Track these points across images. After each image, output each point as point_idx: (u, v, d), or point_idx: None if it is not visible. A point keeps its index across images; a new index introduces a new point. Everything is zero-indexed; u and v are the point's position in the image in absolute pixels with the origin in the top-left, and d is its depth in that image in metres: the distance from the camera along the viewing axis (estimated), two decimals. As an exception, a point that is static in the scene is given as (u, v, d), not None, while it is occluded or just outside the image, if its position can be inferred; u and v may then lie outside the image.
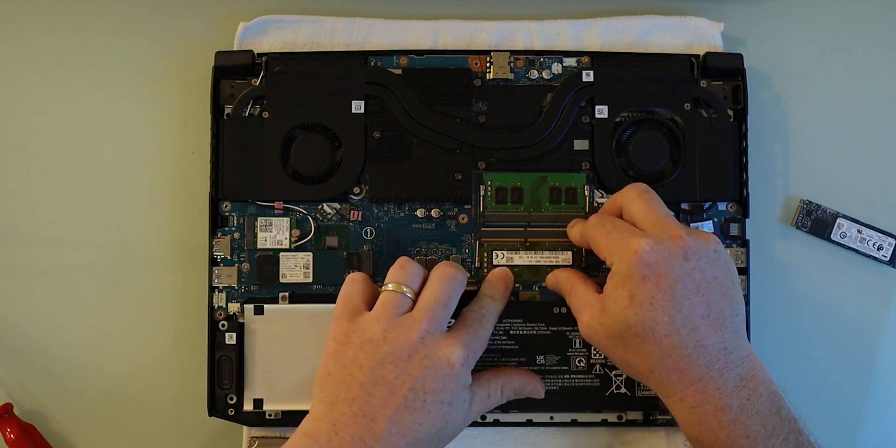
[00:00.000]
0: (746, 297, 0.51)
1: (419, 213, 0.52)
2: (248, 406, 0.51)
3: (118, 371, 0.53)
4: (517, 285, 0.51)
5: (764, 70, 0.55)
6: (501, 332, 0.51)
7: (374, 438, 0.43)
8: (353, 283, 0.47)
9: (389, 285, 0.46)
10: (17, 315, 0.54)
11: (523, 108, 0.52)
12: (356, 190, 0.52)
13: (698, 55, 0.53)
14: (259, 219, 0.52)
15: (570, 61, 0.53)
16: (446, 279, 0.46)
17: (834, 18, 0.55)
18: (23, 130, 0.54)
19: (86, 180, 0.54)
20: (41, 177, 0.54)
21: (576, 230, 0.50)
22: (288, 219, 0.52)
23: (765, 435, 0.43)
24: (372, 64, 0.52)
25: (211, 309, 0.51)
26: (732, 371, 0.44)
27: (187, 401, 0.53)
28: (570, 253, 0.52)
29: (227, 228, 0.52)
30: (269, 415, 0.51)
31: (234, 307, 0.51)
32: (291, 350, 0.51)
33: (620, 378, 0.51)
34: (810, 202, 0.54)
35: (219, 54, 0.52)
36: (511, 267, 0.51)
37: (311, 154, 0.52)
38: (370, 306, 0.46)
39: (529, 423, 0.51)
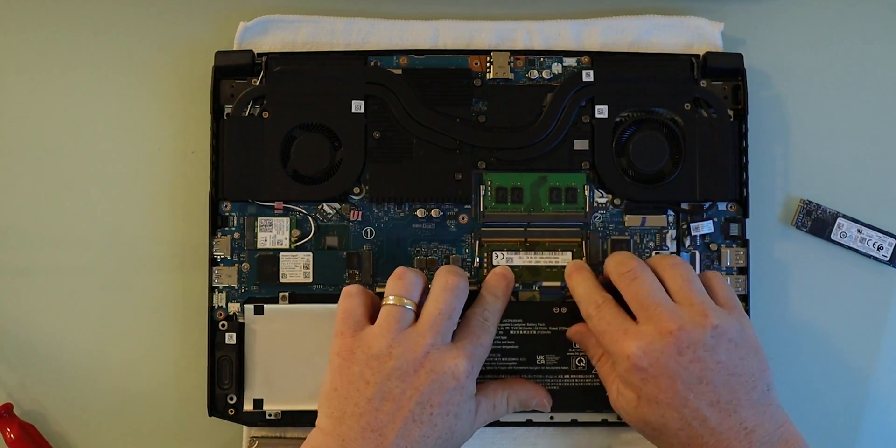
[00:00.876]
0: (747, 297, 0.51)
1: (419, 213, 0.52)
2: (248, 406, 0.51)
3: (118, 371, 0.53)
4: (517, 285, 0.51)
5: (764, 70, 0.55)
6: (501, 332, 0.50)
7: None
8: (351, 298, 0.46)
9: (390, 298, 0.46)
10: (18, 315, 0.54)
11: (523, 108, 0.52)
12: (356, 190, 0.52)
13: (698, 55, 0.53)
14: (259, 219, 0.52)
15: (570, 61, 0.53)
16: (449, 290, 0.46)
17: (834, 18, 0.55)
18: (23, 130, 0.54)
19: (86, 180, 0.54)
20: (41, 177, 0.54)
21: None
22: (288, 219, 0.52)
23: None
24: (372, 64, 0.52)
25: (211, 309, 0.51)
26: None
27: (187, 401, 0.53)
28: (569, 253, 0.52)
29: (227, 228, 0.52)
30: (269, 415, 0.51)
31: (234, 307, 0.51)
32: (291, 350, 0.51)
33: (620, 378, 0.51)
34: (810, 202, 0.54)
35: (219, 54, 0.52)
36: (511, 267, 0.51)
37: (311, 154, 0.52)
38: (371, 319, 0.46)
39: (529, 423, 0.51)
